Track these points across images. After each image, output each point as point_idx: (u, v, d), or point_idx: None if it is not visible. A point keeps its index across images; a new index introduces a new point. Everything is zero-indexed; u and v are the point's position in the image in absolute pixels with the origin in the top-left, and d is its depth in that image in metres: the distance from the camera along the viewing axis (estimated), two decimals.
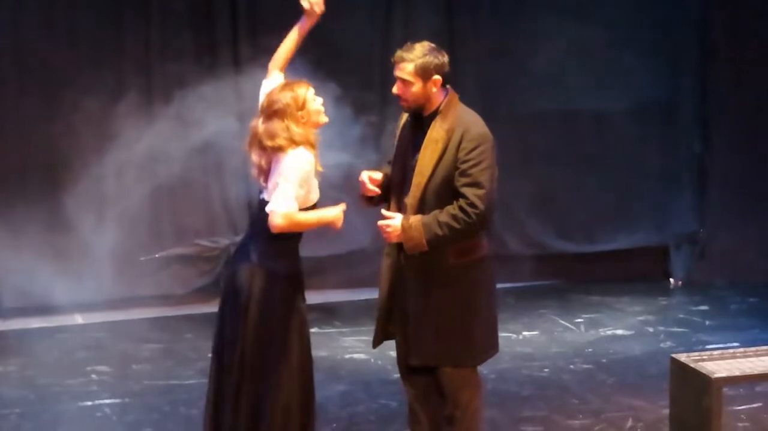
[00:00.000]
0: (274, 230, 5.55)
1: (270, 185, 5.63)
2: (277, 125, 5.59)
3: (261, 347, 5.66)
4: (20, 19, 9.04)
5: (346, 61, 9.25)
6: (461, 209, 5.65)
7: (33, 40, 9.03)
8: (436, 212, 5.69)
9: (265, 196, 5.68)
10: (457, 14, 9.79)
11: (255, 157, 5.67)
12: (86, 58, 9.08)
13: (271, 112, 5.62)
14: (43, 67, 9.06)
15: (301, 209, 5.59)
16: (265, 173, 5.65)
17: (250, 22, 9.41)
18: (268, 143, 5.59)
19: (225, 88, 8.58)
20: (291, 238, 5.71)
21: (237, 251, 5.88)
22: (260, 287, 5.65)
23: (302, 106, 5.64)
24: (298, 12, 9.15)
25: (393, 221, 5.75)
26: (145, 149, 8.70)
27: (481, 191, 5.65)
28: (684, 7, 10.10)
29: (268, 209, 5.56)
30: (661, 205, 10.23)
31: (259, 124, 5.65)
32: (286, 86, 5.70)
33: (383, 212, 5.85)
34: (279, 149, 5.58)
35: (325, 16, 9.33)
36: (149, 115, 8.83)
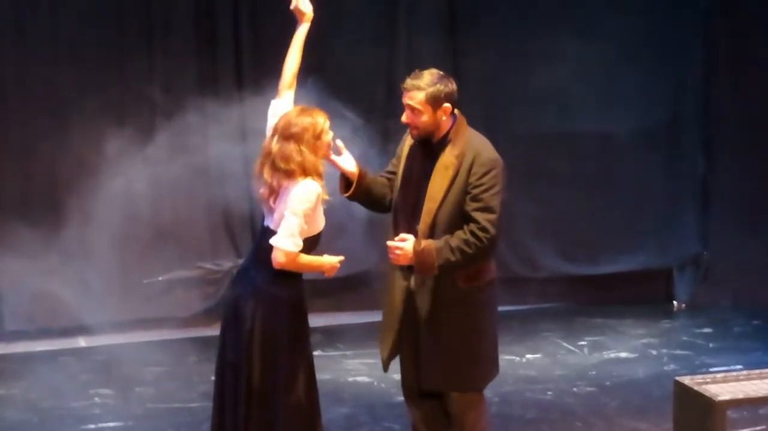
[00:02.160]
0: (275, 266, 5.57)
1: (276, 214, 5.63)
2: (292, 147, 5.58)
3: (267, 374, 5.64)
4: (23, 42, 9.06)
5: (350, 82, 9.26)
6: (472, 233, 5.66)
7: (36, 64, 9.05)
8: (447, 236, 5.69)
9: (270, 223, 5.67)
10: (459, 35, 9.81)
11: (267, 176, 5.64)
12: (89, 80, 9.10)
13: (288, 134, 5.60)
14: (46, 90, 9.08)
15: (305, 239, 5.61)
16: (276, 194, 5.63)
17: (253, 44, 9.43)
18: (282, 164, 5.58)
19: (228, 111, 8.60)
20: None
21: (239, 276, 5.87)
22: (264, 315, 5.64)
23: (318, 136, 5.64)
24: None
25: (405, 243, 5.74)
26: (147, 171, 8.72)
27: (492, 216, 5.67)
28: (686, 28, 10.12)
29: (272, 242, 5.56)
30: (665, 227, 10.23)
31: (273, 143, 5.63)
32: (304, 111, 5.68)
33: (400, 236, 5.83)
34: (290, 174, 5.57)
35: (328, 38, 9.44)
36: (152, 137, 8.85)
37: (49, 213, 8.91)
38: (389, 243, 5.80)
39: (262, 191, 5.69)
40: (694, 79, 10.20)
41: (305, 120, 5.62)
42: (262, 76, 9.09)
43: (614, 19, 9.89)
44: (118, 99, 9.19)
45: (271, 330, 5.63)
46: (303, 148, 5.58)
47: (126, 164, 8.68)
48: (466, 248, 5.67)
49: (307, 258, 5.66)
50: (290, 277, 5.68)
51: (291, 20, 9.47)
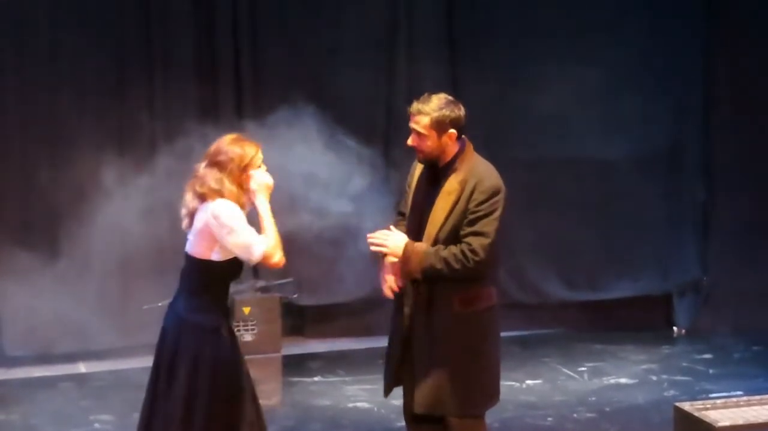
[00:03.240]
0: (280, 265, 5.54)
1: (191, 236, 5.63)
2: (213, 174, 5.58)
3: (196, 401, 5.61)
4: (25, 71, 9.11)
5: (350, 112, 9.27)
6: (462, 252, 5.70)
7: (37, 92, 9.09)
8: (440, 246, 5.73)
9: (188, 249, 5.68)
10: (459, 62, 9.84)
11: (189, 197, 5.66)
12: (89, 108, 9.14)
13: (215, 161, 5.61)
14: (47, 117, 9.11)
15: (225, 261, 5.60)
16: (191, 216, 5.64)
17: (253, 74, 9.47)
18: (197, 188, 5.60)
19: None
20: (216, 291, 5.71)
21: (169, 307, 5.85)
22: (188, 343, 5.63)
23: (244, 168, 5.61)
24: (300, 67, 9.23)
25: (396, 237, 5.79)
26: (147, 197, 8.73)
27: (485, 241, 5.70)
28: (686, 55, 10.15)
29: (255, 257, 5.52)
30: (665, 253, 10.24)
31: (201, 168, 5.64)
32: (236, 141, 5.65)
33: (392, 226, 5.87)
34: (202, 197, 5.58)
35: (328, 66, 9.47)
36: (152, 165, 8.86)
37: (49, 240, 8.92)
38: (376, 234, 5.82)
39: (183, 211, 5.71)
40: (693, 105, 10.22)
41: (234, 150, 5.60)
42: (262, 104, 9.16)
43: (614, 45, 9.92)
44: (118, 127, 9.22)
45: (196, 359, 5.61)
46: (225, 177, 5.57)
47: (126, 191, 8.69)
48: (453, 263, 5.71)
49: (274, 232, 5.57)
50: (213, 303, 5.67)
51: (290, 50, 9.54)
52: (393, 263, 5.88)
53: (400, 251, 5.80)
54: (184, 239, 9.15)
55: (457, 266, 5.71)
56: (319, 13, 9.61)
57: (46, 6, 9.15)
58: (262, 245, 5.52)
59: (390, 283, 5.92)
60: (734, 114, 10.20)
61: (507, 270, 9.88)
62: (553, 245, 10.04)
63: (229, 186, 5.56)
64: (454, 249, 5.72)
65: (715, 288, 10.28)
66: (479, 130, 9.67)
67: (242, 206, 5.61)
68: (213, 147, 5.65)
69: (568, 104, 9.76)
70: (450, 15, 9.84)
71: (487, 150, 9.38)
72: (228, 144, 5.62)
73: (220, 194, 5.55)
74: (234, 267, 5.68)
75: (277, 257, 5.53)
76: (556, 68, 9.73)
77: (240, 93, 9.47)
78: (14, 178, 9.14)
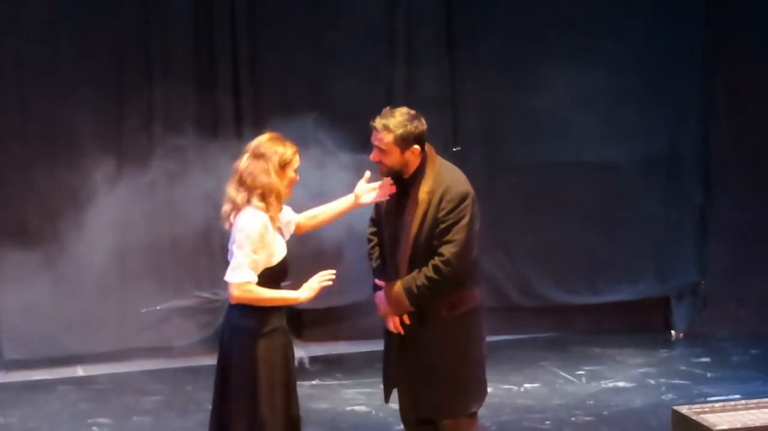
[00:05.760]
0: (231, 301, 5.57)
1: (230, 241, 5.63)
2: (261, 165, 5.59)
3: (240, 403, 5.63)
4: (24, 78, 9.13)
5: (350, 117, 9.26)
6: (434, 268, 5.79)
7: (36, 99, 9.11)
8: (415, 273, 5.82)
9: (230, 257, 5.66)
10: (458, 66, 9.83)
11: (232, 192, 5.64)
12: (89, 113, 9.15)
13: (258, 153, 5.62)
14: (46, 124, 9.13)
15: (267, 269, 5.59)
16: (237, 210, 5.62)
17: (251, 81, 9.48)
18: (248, 180, 5.59)
19: (226, 144, 8.62)
20: None
21: (226, 311, 5.86)
22: (237, 347, 5.65)
23: (283, 166, 5.63)
24: (299, 73, 9.22)
25: (381, 300, 5.92)
26: (146, 202, 8.74)
27: (456, 249, 5.78)
28: (686, 59, 10.15)
29: (225, 278, 5.56)
30: (663, 256, 10.24)
31: (243, 161, 5.64)
32: (277, 140, 5.68)
33: (377, 281, 5.98)
34: (254, 189, 5.57)
35: (326, 72, 9.47)
36: (150, 168, 8.88)
37: (47, 243, 8.93)
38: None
39: (225, 206, 5.67)
40: (693, 109, 10.23)
41: (276, 147, 5.63)
42: (261, 111, 9.17)
43: (613, 49, 9.92)
44: (117, 132, 9.23)
45: (243, 363, 5.62)
46: (270, 169, 5.59)
47: (124, 195, 8.71)
48: (428, 284, 5.79)
49: (264, 292, 5.59)
50: (264, 308, 5.65)
51: (289, 58, 9.54)
52: (385, 311, 5.95)
53: (384, 302, 5.90)
54: (182, 243, 9.22)
55: (432, 285, 5.78)
56: (317, 18, 9.61)
57: (46, 14, 9.16)
58: (240, 275, 5.51)
59: (395, 325, 5.95)
60: (733, 118, 10.20)
61: (506, 274, 9.89)
62: (551, 249, 10.04)
63: (275, 180, 5.58)
64: (426, 272, 5.79)
65: (713, 292, 10.28)
66: (478, 133, 9.72)
67: (280, 202, 5.63)
68: (253, 143, 5.67)
69: (568, 107, 9.76)
70: (449, 18, 9.84)
71: (485, 153, 9.47)
72: (268, 141, 5.65)
73: (269, 186, 5.55)
74: (278, 269, 5.67)
75: (234, 293, 5.53)
76: (555, 72, 9.73)
77: (239, 100, 9.47)
78: (13, 182, 9.15)
